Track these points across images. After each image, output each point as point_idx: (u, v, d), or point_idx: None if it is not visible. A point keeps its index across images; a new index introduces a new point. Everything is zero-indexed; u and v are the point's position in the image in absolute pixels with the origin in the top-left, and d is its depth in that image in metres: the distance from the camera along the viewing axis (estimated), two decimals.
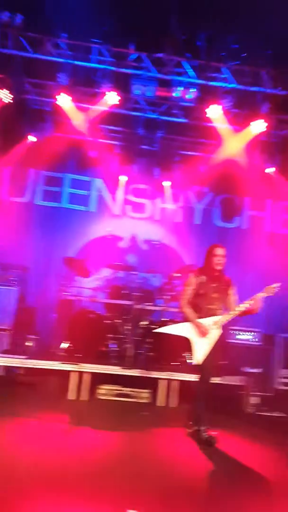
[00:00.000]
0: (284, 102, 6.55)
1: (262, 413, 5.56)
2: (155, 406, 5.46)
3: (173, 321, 6.58)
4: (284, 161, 8.13)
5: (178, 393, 5.56)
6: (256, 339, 6.75)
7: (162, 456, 3.81)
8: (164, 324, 6.63)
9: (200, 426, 4.19)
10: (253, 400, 5.67)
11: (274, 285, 4.26)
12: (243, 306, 4.24)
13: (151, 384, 5.63)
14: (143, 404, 5.48)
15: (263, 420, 5.35)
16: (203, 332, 4.24)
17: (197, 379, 4.35)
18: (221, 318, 4.30)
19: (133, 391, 5.59)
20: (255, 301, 4.19)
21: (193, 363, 4.28)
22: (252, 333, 6.77)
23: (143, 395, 5.59)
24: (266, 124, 6.90)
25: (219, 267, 4.38)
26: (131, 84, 7.02)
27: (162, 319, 6.89)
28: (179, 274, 7.22)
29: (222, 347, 4.50)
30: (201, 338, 4.26)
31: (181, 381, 5.60)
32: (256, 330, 6.81)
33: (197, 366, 4.27)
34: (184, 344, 6.37)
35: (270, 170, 8.33)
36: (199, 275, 4.42)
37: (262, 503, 3.01)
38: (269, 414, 5.61)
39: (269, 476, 3.57)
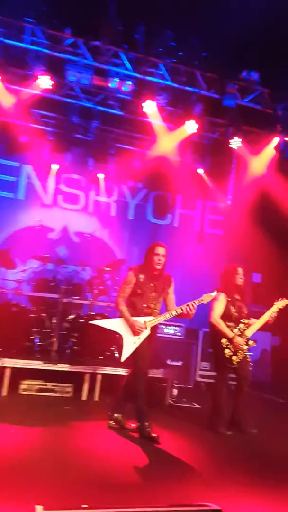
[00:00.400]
0: (217, 105, 6.75)
1: (181, 405, 5.75)
2: (79, 400, 5.42)
3: (101, 315, 6.57)
4: (214, 163, 8.42)
5: (102, 387, 5.56)
6: (179, 333, 6.96)
7: (82, 449, 3.79)
8: (92, 318, 6.58)
9: (144, 422, 4.20)
10: (174, 392, 5.84)
11: (212, 293, 4.39)
12: (175, 313, 4.26)
13: (75, 378, 5.58)
14: (66, 398, 5.41)
15: (182, 411, 5.53)
16: (136, 331, 4.22)
17: (134, 376, 4.34)
18: (152, 320, 4.29)
19: (56, 386, 5.49)
20: (191, 307, 4.21)
21: (121, 360, 4.29)
22: (176, 328, 6.97)
23: (66, 389, 5.51)
24: (197, 126, 7.06)
25: (159, 267, 4.34)
26: (66, 70, 6.80)
27: (90, 313, 6.83)
28: (109, 268, 7.21)
29: (154, 343, 4.50)
30: (132, 336, 4.26)
31: (105, 375, 5.61)
32: (180, 324, 7.02)
33: (136, 363, 4.28)
34: (109, 339, 6.43)
35: (201, 171, 8.60)
36: (138, 273, 4.36)
37: (179, 492, 3.10)
38: (187, 405, 5.82)
39: (186, 464, 3.70)
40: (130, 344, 4.24)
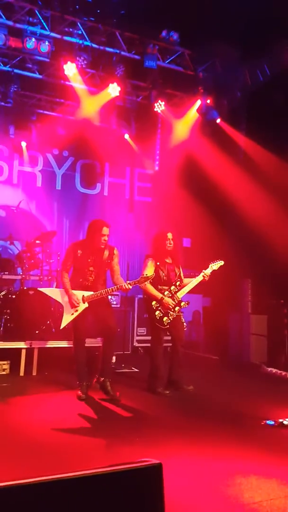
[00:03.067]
0: (138, 67, 6.58)
1: (120, 370, 5.87)
2: (17, 376, 5.32)
3: (34, 290, 6.39)
4: (139, 128, 8.31)
5: (39, 361, 5.49)
6: (115, 302, 7.02)
7: (21, 424, 3.74)
8: (24, 293, 6.39)
9: (106, 378, 4.46)
10: (112, 359, 5.92)
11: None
12: (112, 289, 4.44)
13: (12, 355, 5.45)
14: (4, 376, 5.28)
15: (122, 376, 5.64)
16: (72, 304, 4.42)
17: (73, 343, 4.65)
18: (90, 295, 4.42)
19: None
20: (127, 287, 4.33)
21: (60, 328, 4.59)
22: (111, 297, 6.98)
23: (3, 366, 5.39)
24: (119, 89, 6.88)
25: (103, 246, 4.46)
26: None
27: (22, 288, 6.61)
28: (39, 241, 6.97)
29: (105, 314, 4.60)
30: (70, 308, 4.46)
31: (42, 349, 5.54)
32: (115, 293, 7.05)
33: (73, 333, 4.57)
34: (44, 313, 6.31)
35: (127, 136, 8.47)
36: (77, 249, 4.49)
37: (120, 453, 3.19)
38: (126, 370, 5.96)
39: (127, 425, 3.81)
40: (68, 315, 4.48)
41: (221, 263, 4.90)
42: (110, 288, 4.46)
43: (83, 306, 4.42)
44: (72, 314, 4.44)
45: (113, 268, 4.54)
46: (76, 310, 4.42)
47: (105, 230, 4.45)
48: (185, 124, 7.75)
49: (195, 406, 4.53)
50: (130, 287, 4.35)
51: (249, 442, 3.45)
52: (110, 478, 1.30)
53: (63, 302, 4.51)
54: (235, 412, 4.30)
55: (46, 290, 5.06)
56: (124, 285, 4.32)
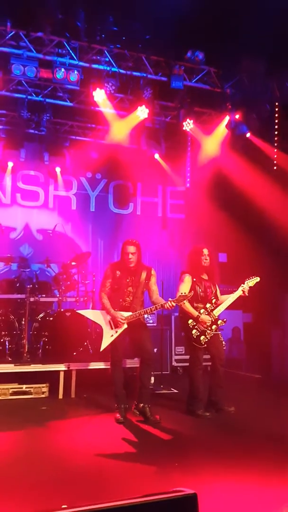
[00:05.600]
0: (165, 88, 6.70)
1: (159, 391, 5.76)
2: (55, 399, 5.35)
3: (71, 311, 6.49)
4: (169, 147, 8.41)
5: (77, 383, 5.50)
6: (151, 321, 6.97)
7: (59, 449, 3.74)
8: (62, 315, 6.49)
9: (145, 404, 4.41)
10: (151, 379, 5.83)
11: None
12: (152, 309, 4.44)
13: (50, 377, 5.50)
14: (43, 399, 5.32)
15: (161, 397, 5.53)
16: (116, 323, 4.41)
17: (110, 365, 4.62)
18: (130, 315, 4.41)
19: (31, 387, 5.39)
20: (170, 305, 4.30)
21: (100, 350, 4.55)
22: (148, 316, 6.95)
23: (42, 389, 5.43)
24: (147, 111, 7.01)
25: (132, 265, 4.48)
26: (11, 64, 6.56)
27: (60, 310, 6.72)
28: (75, 263, 7.10)
29: (143, 334, 4.58)
30: (110, 329, 4.45)
31: (80, 370, 5.55)
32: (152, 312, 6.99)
33: (111, 354, 4.53)
34: (81, 334, 6.36)
35: (157, 156, 8.60)
36: (115, 269, 4.54)
37: (157, 480, 3.10)
38: (165, 391, 5.84)
39: (165, 451, 3.71)
40: (108, 336, 4.46)
41: (257, 279, 4.76)
42: (149, 307, 4.43)
43: (123, 327, 4.43)
44: (112, 335, 4.43)
45: (151, 288, 4.54)
46: (116, 331, 4.42)
47: (129, 249, 4.49)
48: (214, 140, 7.74)
49: (237, 429, 4.35)
50: (174, 304, 4.30)
51: None
52: (143, 509, 1.26)
53: (102, 323, 4.50)
54: (280, 436, 4.08)
55: (87, 313, 5.03)
56: (167, 304, 4.27)
